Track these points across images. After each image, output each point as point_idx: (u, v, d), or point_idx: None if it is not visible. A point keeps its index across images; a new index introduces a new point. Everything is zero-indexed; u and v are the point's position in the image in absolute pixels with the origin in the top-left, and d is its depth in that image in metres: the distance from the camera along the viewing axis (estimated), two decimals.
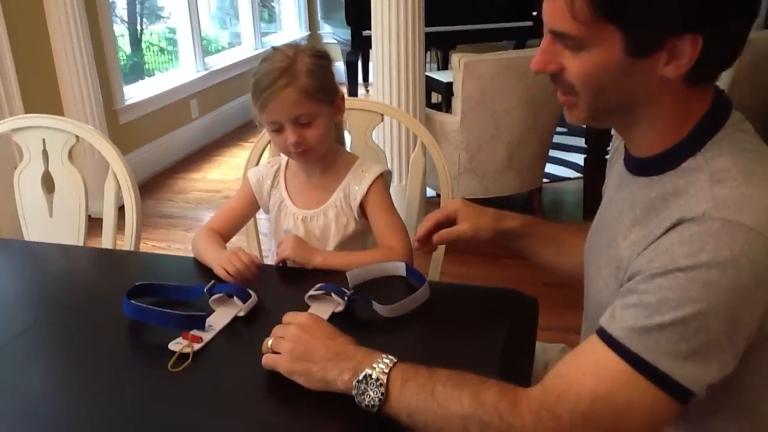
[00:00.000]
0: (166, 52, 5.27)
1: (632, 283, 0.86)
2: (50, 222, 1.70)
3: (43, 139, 1.67)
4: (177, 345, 1.09)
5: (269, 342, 1.03)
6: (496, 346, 1.11)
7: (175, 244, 3.38)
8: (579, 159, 3.92)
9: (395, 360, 0.95)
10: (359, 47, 4.61)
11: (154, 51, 5.36)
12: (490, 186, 3.31)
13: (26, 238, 1.74)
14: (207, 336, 1.12)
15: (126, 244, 1.64)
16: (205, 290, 1.21)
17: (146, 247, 3.24)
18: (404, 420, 0.92)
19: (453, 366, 0.94)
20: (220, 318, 1.17)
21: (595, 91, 0.90)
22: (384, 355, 0.96)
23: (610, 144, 1.17)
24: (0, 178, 2.70)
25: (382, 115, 1.76)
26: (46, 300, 1.32)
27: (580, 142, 3.70)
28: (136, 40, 5.08)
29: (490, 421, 0.87)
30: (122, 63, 4.73)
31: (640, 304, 0.84)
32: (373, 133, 1.74)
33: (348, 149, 1.66)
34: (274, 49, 1.42)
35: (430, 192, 3.35)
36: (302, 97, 1.35)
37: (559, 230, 1.33)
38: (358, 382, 0.93)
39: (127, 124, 4.10)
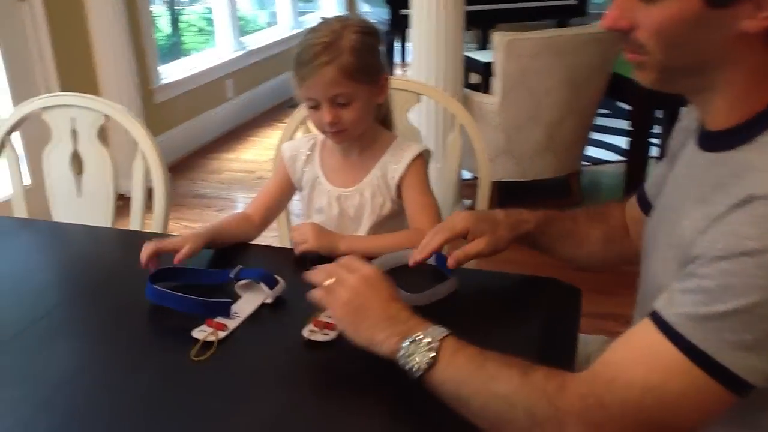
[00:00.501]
0: (204, 32, 5.26)
1: (693, 267, 0.80)
2: (79, 202, 1.68)
3: (73, 118, 1.64)
4: (201, 333, 1.05)
5: (326, 282, 0.99)
6: (532, 338, 1.06)
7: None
8: (621, 142, 3.81)
9: (448, 331, 0.91)
10: (397, 27, 4.53)
11: (192, 31, 5.35)
12: (527, 168, 3.22)
13: (54, 218, 1.71)
14: (232, 323, 1.08)
15: (154, 226, 1.60)
16: (231, 275, 1.17)
17: (178, 227, 3.23)
18: (448, 391, 0.88)
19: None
20: (246, 305, 1.13)
21: (667, 47, 0.83)
22: (437, 326, 0.92)
23: (677, 123, 1.09)
24: (30, 157, 2.72)
25: (419, 94, 1.69)
26: (69, 282, 1.29)
27: (623, 124, 3.59)
28: (175, 20, 5.08)
29: (537, 402, 0.82)
30: (161, 43, 4.72)
31: (699, 290, 0.77)
32: (410, 113, 1.68)
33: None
34: (322, 20, 1.35)
35: (466, 174, 3.28)
36: (342, 77, 1.29)
37: (572, 224, 1.26)
38: (407, 343, 0.90)
39: (162, 103, 4.09)
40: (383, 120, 1.50)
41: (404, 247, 1.26)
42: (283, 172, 1.49)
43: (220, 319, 1.07)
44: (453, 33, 2.91)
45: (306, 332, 1.03)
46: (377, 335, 0.94)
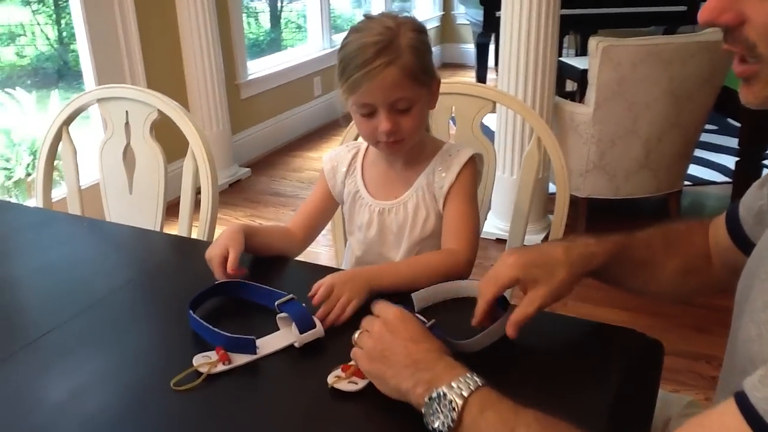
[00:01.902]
0: (303, 29, 5.27)
1: None
2: (129, 199, 1.61)
3: (126, 111, 1.57)
4: (202, 359, 0.94)
5: (356, 335, 0.91)
6: (605, 394, 0.90)
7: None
8: (729, 161, 3.50)
9: (480, 383, 0.78)
10: (491, 29, 4.35)
11: (291, 28, 5.36)
12: (621, 186, 2.98)
13: (106, 213, 1.66)
14: (241, 359, 0.95)
15: (199, 232, 1.51)
16: (276, 304, 1.03)
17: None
18: None
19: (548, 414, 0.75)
20: (273, 341, 1.00)
21: None
22: (469, 374, 0.79)
23: None
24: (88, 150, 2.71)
25: (495, 102, 1.53)
26: (97, 284, 1.21)
27: (732, 142, 3.29)
28: (276, 16, 5.10)
29: None
30: (260, 39, 4.74)
31: None
32: (484, 120, 1.52)
33: (452, 139, 1.45)
34: (368, 18, 1.20)
35: (553, 188, 3.07)
36: (405, 79, 1.15)
37: (647, 253, 1.06)
38: (430, 399, 0.78)
39: (248, 99, 4.07)
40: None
41: (440, 272, 1.14)
42: (324, 184, 1.37)
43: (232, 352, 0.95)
44: (545, 37, 2.72)
45: (331, 378, 0.89)
46: (403, 383, 0.82)
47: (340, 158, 1.36)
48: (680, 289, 1.10)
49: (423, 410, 0.79)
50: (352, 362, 0.90)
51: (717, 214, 1.04)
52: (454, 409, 0.76)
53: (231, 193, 3.69)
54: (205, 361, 0.93)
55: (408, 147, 1.25)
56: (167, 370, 0.92)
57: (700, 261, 1.05)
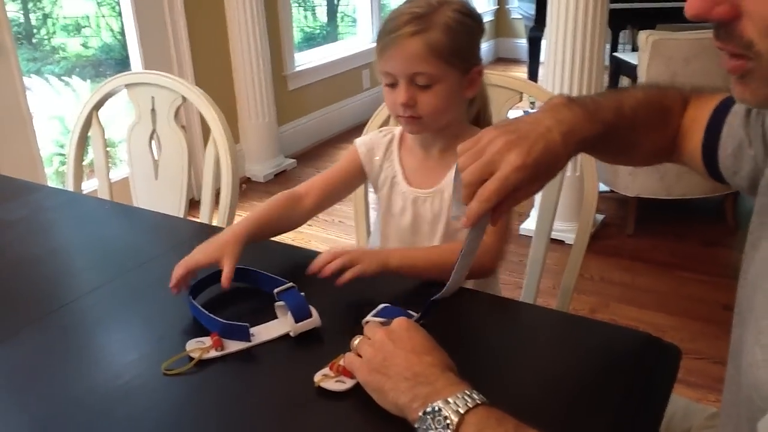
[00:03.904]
0: (357, 22, 5.27)
1: None
2: (155, 184, 1.62)
3: (153, 97, 1.58)
4: (195, 344, 0.92)
5: (356, 341, 0.86)
6: (611, 402, 0.85)
7: (322, 215, 3.29)
8: None
9: (479, 401, 0.72)
10: (543, 23, 4.23)
11: (347, 22, 5.37)
12: (673, 186, 2.86)
13: (133, 198, 1.67)
14: (235, 346, 0.93)
15: (219, 219, 1.50)
16: (275, 292, 1.01)
17: None
18: None
19: (551, 420, 0.72)
20: (269, 329, 0.98)
21: None
22: (468, 391, 0.73)
23: None
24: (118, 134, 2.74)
25: (522, 94, 1.47)
26: (106, 266, 1.21)
27: None
28: (332, 10, 5.11)
29: None
30: (316, 32, 4.75)
31: None
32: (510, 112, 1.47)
33: None
34: None
35: (602, 187, 2.97)
36: (427, 53, 1.12)
37: (630, 137, 0.92)
38: (424, 413, 0.72)
39: (295, 90, 4.08)
40: (476, 120, 1.31)
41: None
42: (355, 163, 1.32)
43: (226, 338, 0.94)
44: (592, 30, 2.63)
45: (318, 377, 0.85)
46: (400, 398, 0.76)
47: (374, 143, 1.32)
48: (642, 163, 1.05)
49: (416, 425, 0.73)
50: (340, 360, 0.86)
51: None
52: (448, 426, 0.70)
53: (275, 184, 3.71)
54: (198, 347, 0.92)
55: (429, 128, 1.21)
56: (162, 354, 0.91)
57: (670, 143, 0.96)
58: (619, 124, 0.87)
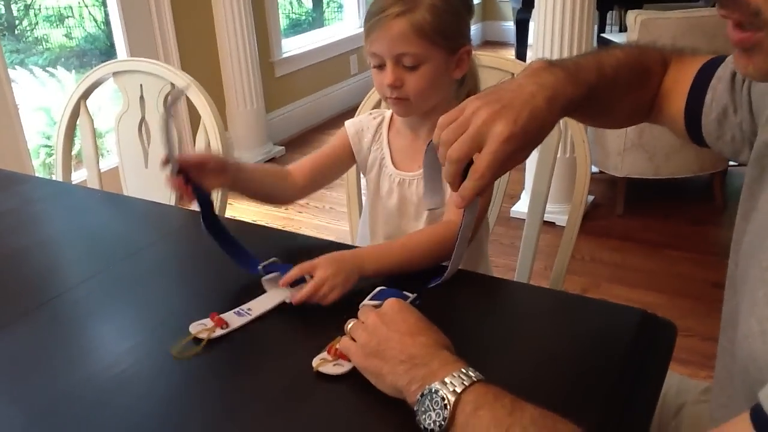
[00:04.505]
0: (343, 8, 5.24)
1: None
2: (145, 173, 1.61)
3: (141, 85, 1.56)
4: (198, 326, 0.92)
5: (349, 325, 0.86)
6: (608, 378, 0.85)
7: (313, 201, 3.29)
8: None
9: (476, 378, 0.71)
10: (531, 5, 4.21)
11: (333, 7, 5.33)
12: (662, 165, 2.88)
13: (123, 188, 1.66)
14: (237, 321, 0.94)
15: None
16: (260, 267, 1.03)
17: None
18: None
19: (548, 397, 0.70)
20: (264, 301, 0.98)
21: None
22: (465, 369, 0.72)
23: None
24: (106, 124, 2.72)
25: (513, 75, 1.47)
26: (97, 256, 1.21)
27: None
28: None
29: None
30: (302, 18, 4.71)
31: None
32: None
33: None
34: None
35: (592, 168, 2.98)
36: (413, 33, 1.12)
37: (610, 98, 0.90)
38: (422, 396, 0.72)
39: (282, 77, 4.06)
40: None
41: (433, 251, 1.08)
42: (344, 145, 1.32)
43: (225, 315, 0.94)
44: (581, 11, 2.63)
45: (316, 361, 0.85)
46: (398, 380, 0.76)
47: (364, 124, 1.32)
48: (620, 124, 1.03)
49: (415, 408, 0.73)
50: (337, 344, 0.86)
51: None
52: (446, 406, 0.70)
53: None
54: (203, 328, 0.91)
55: (416, 110, 1.21)
56: (156, 342, 0.92)
57: (649, 104, 0.96)
58: (600, 85, 0.84)
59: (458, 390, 0.70)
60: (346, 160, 1.34)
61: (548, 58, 0.85)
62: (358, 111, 1.50)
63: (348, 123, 1.34)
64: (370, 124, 1.32)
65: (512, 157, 0.75)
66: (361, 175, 1.43)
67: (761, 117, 0.78)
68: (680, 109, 0.90)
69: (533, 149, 0.80)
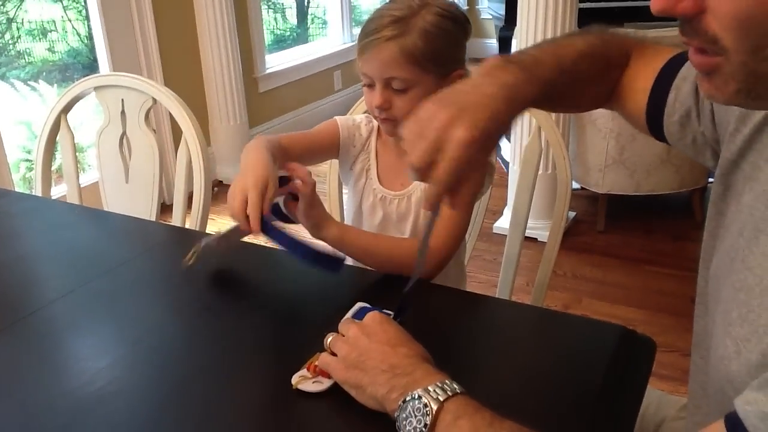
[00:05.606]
0: (328, 24, 5.26)
1: None
2: (126, 188, 1.60)
3: (122, 100, 1.56)
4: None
5: (328, 339, 0.85)
6: (588, 394, 0.86)
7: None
8: None
9: (458, 390, 0.72)
10: (514, 22, 4.27)
11: (318, 23, 5.36)
12: (642, 182, 2.91)
13: (104, 203, 1.65)
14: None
15: (192, 221, 1.48)
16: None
17: None
18: None
19: (528, 413, 0.71)
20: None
21: (754, 42, 0.56)
22: (447, 381, 0.73)
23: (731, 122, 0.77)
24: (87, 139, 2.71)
25: None
26: (75, 272, 1.19)
27: None
28: (302, 12, 5.09)
29: None
30: (287, 35, 4.72)
31: None
32: None
33: None
34: None
35: (573, 185, 3.00)
36: (403, 59, 1.11)
37: (570, 91, 0.89)
38: (404, 401, 0.72)
39: (266, 92, 4.06)
40: None
41: (402, 263, 1.07)
42: (334, 139, 1.29)
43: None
44: (562, 30, 2.67)
45: (295, 378, 0.84)
46: (378, 390, 0.76)
47: (356, 130, 1.30)
48: (579, 111, 1.03)
49: (396, 414, 0.73)
50: (317, 360, 0.85)
51: None
52: (428, 413, 0.70)
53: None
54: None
55: None
56: (135, 358, 0.90)
57: (608, 94, 0.94)
58: (559, 80, 0.82)
59: (441, 398, 0.71)
60: (331, 152, 1.31)
61: (505, 55, 0.83)
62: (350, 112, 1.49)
63: (341, 121, 1.31)
64: (361, 130, 1.30)
65: (472, 160, 0.73)
66: (343, 187, 1.43)
67: (724, 131, 0.78)
68: (641, 106, 0.89)
69: (493, 150, 0.79)
